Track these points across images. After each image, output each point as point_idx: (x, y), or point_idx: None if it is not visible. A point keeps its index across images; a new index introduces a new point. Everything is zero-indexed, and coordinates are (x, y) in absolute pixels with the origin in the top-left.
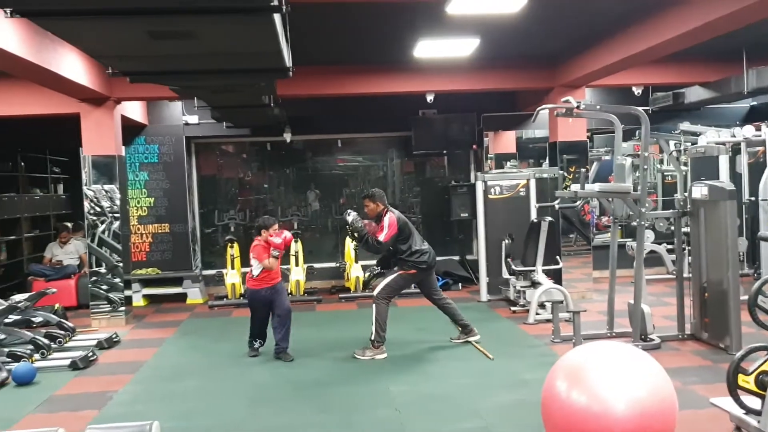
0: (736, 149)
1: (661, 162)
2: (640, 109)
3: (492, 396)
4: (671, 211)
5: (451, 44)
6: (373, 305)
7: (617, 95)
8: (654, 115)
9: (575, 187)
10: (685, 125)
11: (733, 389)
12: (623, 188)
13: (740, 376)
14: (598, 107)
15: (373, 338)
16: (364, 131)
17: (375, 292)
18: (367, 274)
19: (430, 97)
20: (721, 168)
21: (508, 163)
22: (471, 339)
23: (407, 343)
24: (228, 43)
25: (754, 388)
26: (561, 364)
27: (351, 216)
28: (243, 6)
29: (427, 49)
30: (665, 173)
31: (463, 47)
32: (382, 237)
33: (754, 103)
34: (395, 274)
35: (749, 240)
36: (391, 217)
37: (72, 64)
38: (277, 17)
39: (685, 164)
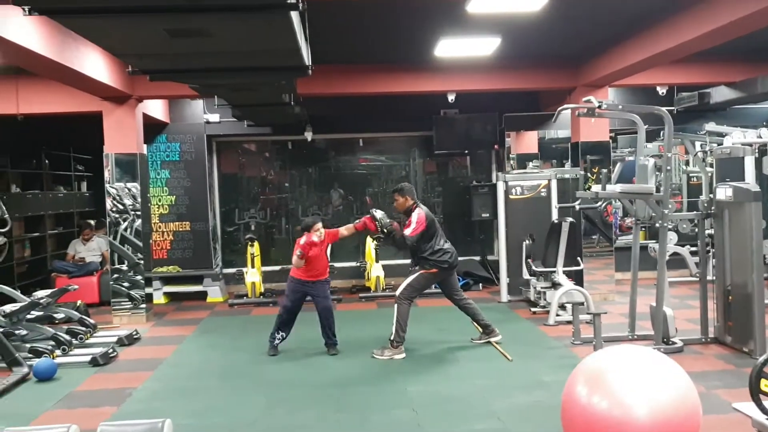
0: (762, 150)
1: (687, 163)
2: (663, 108)
3: (510, 397)
4: (694, 212)
5: (472, 43)
6: (395, 305)
7: (641, 95)
8: (679, 116)
9: (596, 188)
10: (711, 126)
11: (756, 394)
12: (645, 189)
13: (763, 381)
14: (620, 107)
15: (392, 338)
16: (385, 131)
17: (397, 292)
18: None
19: (451, 97)
20: (747, 169)
21: (530, 163)
22: (492, 340)
23: (427, 343)
24: (245, 41)
25: None
26: (581, 368)
27: (379, 213)
28: (259, 4)
29: (447, 48)
30: (690, 174)
31: (484, 46)
32: (408, 232)
33: None
34: (417, 274)
35: None
36: (420, 213)
37: (94, 63)
38: (294, 15)
39: (711, 165)
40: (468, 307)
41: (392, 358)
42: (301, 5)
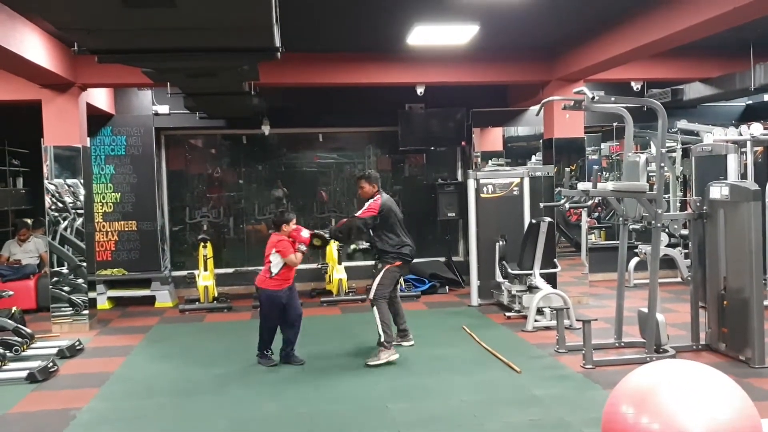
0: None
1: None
2: (657, 101)
3: (503, 416)
4: (687, 212)
5: (448, 31)
6: (373, 308)
7: (613, 90)
8: (646, 113)
9: (583, 186)
10: (683, 123)
11: None
12: (638, 187)
13: None
14: (612, 99)
15: (382, 340)
16: (347, 126)
17: (370, 295)
18: (352, 248)
19: (420, 89)
20: (730, 167)
21: (491, 161)
22: (404, 343)
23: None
24: (212, 14)
25: None
26: (625, 385)
27: (320, 235)
28: None
29: (423, 35)
30: (649, 174)
31: (462, 34)
32: (357, 213)
33: (750, 101)
34: (383, 270)
35: None
36: (375, 201)
37: (33, 44)
38: None
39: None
40: (395, 303)
41: (389, 360)
42: None
